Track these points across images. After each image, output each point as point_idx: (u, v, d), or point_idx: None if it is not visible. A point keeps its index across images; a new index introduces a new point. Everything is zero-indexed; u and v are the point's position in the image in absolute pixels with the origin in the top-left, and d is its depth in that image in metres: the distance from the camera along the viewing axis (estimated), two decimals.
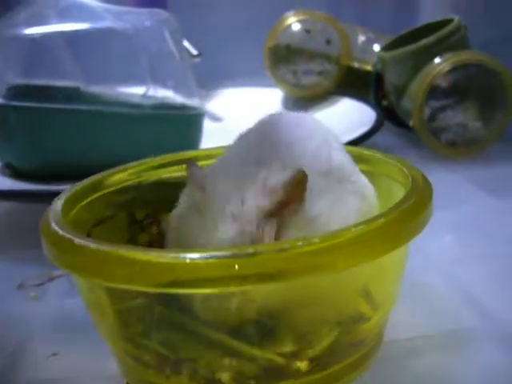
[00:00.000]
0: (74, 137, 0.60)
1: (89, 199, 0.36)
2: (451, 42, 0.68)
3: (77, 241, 0.26)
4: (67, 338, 0.38)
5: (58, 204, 0.33)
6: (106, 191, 0.37)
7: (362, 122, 0.67)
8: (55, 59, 0.60)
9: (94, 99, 0.63)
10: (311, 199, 0.29)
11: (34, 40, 0.59)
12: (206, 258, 0.23)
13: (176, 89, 0.67)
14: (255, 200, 0.28)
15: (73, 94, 0.61)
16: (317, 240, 0.24)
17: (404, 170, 0.34)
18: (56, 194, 0.50)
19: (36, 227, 0.50)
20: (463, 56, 0.66)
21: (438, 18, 0.75)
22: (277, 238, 0.28)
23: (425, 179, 0.32)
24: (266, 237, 0.28)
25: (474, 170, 0.64)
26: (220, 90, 0.91)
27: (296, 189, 0.28)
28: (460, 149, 0.68)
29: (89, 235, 0.34)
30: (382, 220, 0.26)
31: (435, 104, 0.68)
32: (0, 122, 0.60)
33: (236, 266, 0.23)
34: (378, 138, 0.65)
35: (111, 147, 0.61)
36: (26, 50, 0.61)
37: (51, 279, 0.46)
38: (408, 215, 0.27)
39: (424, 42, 0.68)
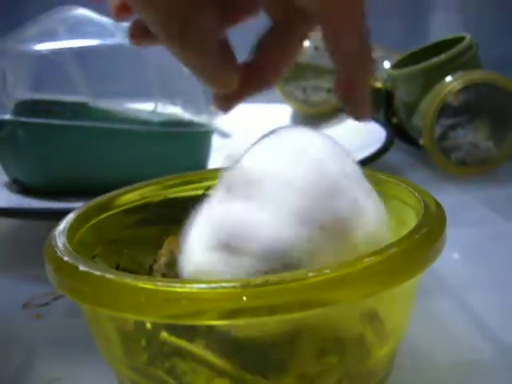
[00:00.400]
0: (81, 153, 0.60)
1: (96, 220, 0.35)
2: (462, 60, 0.67)
3: (81, 268, 0.25)
4: (71, 359, 0.38)
5: (64, 226, 0.32)
6: (114, 211, 0.37)
7: (371, 141, 0.66)
8: (64, 75, 0.60)
9: (102, 115, 0.63)
10: None
11: (43, 56, 0.59)
12: (214, 289, 0.23)
13: (185, 105, 0.67)
14: None
15: (81, 110, 0.61)
16: (328, 271, 0.23)
17: (415, 193, 0.33)
18: (62, 211, 0.51)
19: (42, 244, 0.50)
20: (474, 75, 0.66)
21: (449, 34, 0.74)
22: None
23: (437, 205, 0.31)
24: None
25: (485, 191, 0.64)
26: None
27: None
28: (470, 168, 0.68)
29: (95, 257, 0.33)
30: (394, 250, 0.25)
31: (446, 122, 0.68)
32: (8, 137, 0.60)
33: (244, 298, 0.22)
34: (387, 155, 0.64)
35: (119, 164, 0.61)
36: (35, 65, 0.61)
37: (56, 298, 0.45)
38: (422, 245, 0.26)
39: (435, 60, 0.67)
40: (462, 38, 0.70)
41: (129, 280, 0.24)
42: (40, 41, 0.60)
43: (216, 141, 0.70)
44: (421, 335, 0.36)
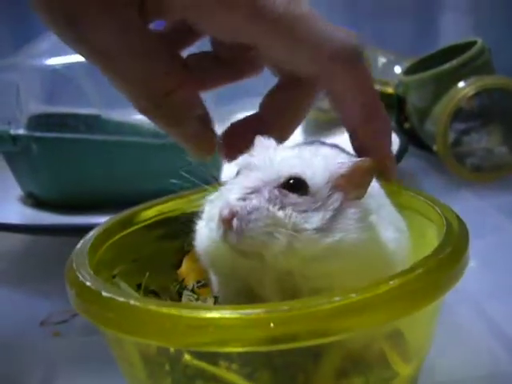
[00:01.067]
0: (95, 166, 0.60)
1: (115, 238, 0.35)
2: (474, 65, 0.67)
3: (104, 294, 0.25)
4: (90, 377, 0.38)
5: (83, 246, 0.32)
6: (132, 229, 0.37)
7: None
8: (76, 89, 0.60)
9: (115, 127, 0.63)
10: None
11: (55, 70, 0.59)
12: (240, 315, 0.23)
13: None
14: (327, 167, 0.29)
15: (94, 123, 0.61)
16: (354, 295, 0.23)
17: (435, 207, 0.33)
18: (78, 228, 0.51)
19: (59, 259, 0.50)
20: (487, 80, 0.65)
21: (460, 37, 0.74)
22: (332, 224, 0.28)
23: (459, 220, 0.31)
24: (329, 206, 0.28)
25: (501, 197, 0.63)
26: (238, 112, 0.90)
27: (362, 176, 0.29)
28: (486, 174, 0.67)
29: (115, 277, 0.33)
30: (420, 271, 0.25)
31: (459, 127, 0.67)
32: (22, 152, 0.60)
33: (271, 324, 0.22)
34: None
35: (133, 176, 0.61)
36: (47, 80, 0.61)
37: (74, 315, 0.45)
38: (447, 265, 0.26)
39: (447, 66, 0.67)
40: (473, 43, 0.70)
41: (153, 306, 0.24)
42: (52, 55, 0.60)
43: None
44: (440, 348, 0.36)
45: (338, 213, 0.28)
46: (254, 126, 0.35)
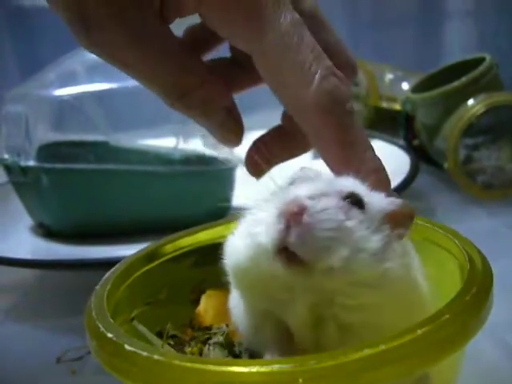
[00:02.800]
0: (105, 195, 0.60)
1: (130, 280, 0.35)
2: (483, 82, 0.67)
3: (128, 347, 0.25)
4: None
5: (100, 290, 0.32)
6: (148, 267, 0.36)
7: (396, 167, 0.66)
8: (85, 118, 0.60)
9: (123, 154, 0.63)
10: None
11: (63, 101, 0.59)
12: (269, 370, 0.22)
13: (205, 139, 0.66)
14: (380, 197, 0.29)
15: (103, 152, 0.61)
16: (383, 346, 0.23)
17: (456, 241, 0.33)
18: (91, 262, 0.51)
19: (71, 293, 0.49)
20: (496, 98, 0.65)
21: (462, 46, 0.74)
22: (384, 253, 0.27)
23: (481, 256, 0.30)
24: (383, 234, 0.27)
25: None
26: (248, 132, 0.90)
27: (405, 218, 0.28)
28: (497, 191, 0.67)
29: (133, 320, 0.33)
30: (447, 317, 0.25)
31: (468, 142, 0.67)
32: (32, 183, 0.60)
33: (300, 380, 0.22)
34: None
35: (143, 204, 0.61)
36: (56, 110, 0.61)
37: (89, 352, 0.45)
38: (474, 307, 0.26)
39: (456, 83, 0.67)
40: (481, 59, 0.69)
41: (177, 361, 0.23)
42: (60, 85, 0.60)
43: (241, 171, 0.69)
44: (462, 381, 0.35)
45: (388, 243, 0.27)
46: (277, 139, 0.35)
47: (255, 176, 0.34)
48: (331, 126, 0.29)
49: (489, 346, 0.40)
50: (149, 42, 0.30)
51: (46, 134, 0.61)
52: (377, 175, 0.30)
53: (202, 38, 0.35)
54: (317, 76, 0.29)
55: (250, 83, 0.36)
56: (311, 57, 0.29)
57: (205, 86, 0.32)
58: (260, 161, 0.33)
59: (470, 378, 0.36)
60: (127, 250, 0.55)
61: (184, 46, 0.32)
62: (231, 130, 0.33)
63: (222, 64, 0.36)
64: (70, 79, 0.61)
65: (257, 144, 0.35)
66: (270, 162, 0.34)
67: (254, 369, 0.22)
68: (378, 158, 0.31)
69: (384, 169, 0.31)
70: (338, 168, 0.30)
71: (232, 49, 0.35)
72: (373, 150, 0.31)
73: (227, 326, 0.33)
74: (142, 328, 0.33)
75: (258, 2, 0.29)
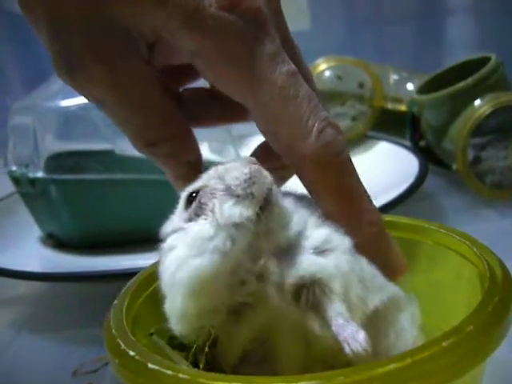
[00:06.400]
0: (114, 205, 0.60)
1: (147, 292, 0.35)
2: (490, 82, 0.66)
3: (151, 366, 0.25)
4: None
5: (118, 305, 0.32)
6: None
7: (404, 169, 0.66)
8: (91, 128, 0.60)
9: (130, 164, 0.62)
10: None
11: (70, 111, 0.59)
12: None
13: (210, 145, 0.66)
14: None
15: (109, 161, 0.61)
16: (409, 360, 0.23)
17: (474, 249, 0.32)
18: (101, 274, 0.50)
19: (84, 303, 0.49)
20: (504, 98, 0.65)
21: (464, 50, 0.74)
22: None
23: (501, 264, 0.30)
24: None
25: None
26: (251, 137, 0.90)
27: None
28: (506, 191, 0.66)
29: (153, 335, 0.33)
30: (471, 328, 0.24)
31: (476, 141, 0.67)
32: (40, 194, 0.60)
33: None
34: None
35: (152, 213, 0.60)
36: (62, 121, 0.61)
37: (106, 363, 0.45)
38: (496, 317, 0.26)
39: (462, 84, 0.67)
40: (487, 58, 0.69)
41: (203, 380, 0.23)
42: (66, 96, 0.60)
43: None
44: None
45: None
46: (262, 156, 0.34)
47: None
48: (328, 178, 0.30)
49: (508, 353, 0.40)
50: (129, 89, 0.30)
51: (53, 145, 0.61)
52: (373, 228, 0.31)
53: (186, 69, 0.34)
54: (314, 129, 0.29)
55: (227, 118, 0.36)
56: (308, 110, 0.29)
57: (174, 140, 0.32)
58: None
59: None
60: (138, 260, 0.56)
61: (165, 81, 0.32)
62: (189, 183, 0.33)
63: (199, 95, 0.36)
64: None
65: None
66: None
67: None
68: (375, 209, 0.31)
69: (381, 221, 0.31)
70: (336, 219, 0.30)
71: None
72: (370, 199, 0.31)
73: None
74: (160, 342, 0.33)
75: (254, 55, 0.29)
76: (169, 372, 0.24)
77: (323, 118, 0.29)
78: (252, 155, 0.34)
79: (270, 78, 0.29)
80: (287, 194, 0.31)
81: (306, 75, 0.32)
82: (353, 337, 0.25)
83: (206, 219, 0.27)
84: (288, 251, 0.28)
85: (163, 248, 0.30)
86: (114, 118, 0.32)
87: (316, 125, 0.29)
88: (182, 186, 0.33)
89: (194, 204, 0.28)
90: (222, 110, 0.35)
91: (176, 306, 0.28)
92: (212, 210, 0.27)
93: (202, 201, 0.28)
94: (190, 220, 0.28)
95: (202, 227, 0.27)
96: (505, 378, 0.38)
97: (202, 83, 0.35)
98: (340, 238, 0.29)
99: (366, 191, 0.31)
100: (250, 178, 0.27)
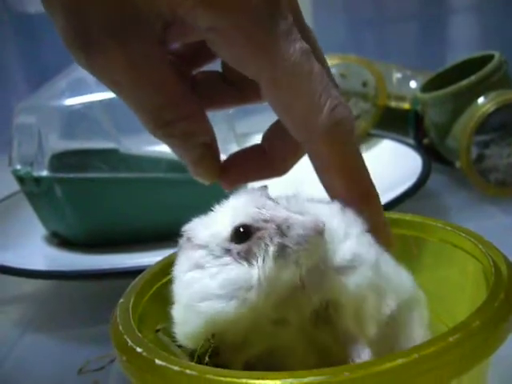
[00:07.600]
0: (118, 203, 0.60)
1: (154, 289, 0.35)
2: (493, 80, 0.66)
3: (158, 362, 0.25)
4: None
5: (125, 302, 0.32)
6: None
7: (407, 167, 0.66)
8: (95, 127, 0.60)
9: (134, 162, 0.63)
10: None
11: (74, 110, 0.59)
12: (302, 382, 0.22)
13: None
14: None
15: (114, 160, 0.61)
16: (416, 356, 0.23)
17: (480, 246, 0.32)
18: (105, 272, 0.51)
19: (88, 302, 0.49)
20: (507, 96, 0.65)
21: (467, 47, 0.74)
22: None
23: (506, 260, 0.30)
24: None
25: None
26: (255, 135, 0.90)
27: None
28: (510, 189, 0.66)
29: (159, 331, 0.33)
30: (477, 323, 0.25)
31: (479, 139, 0.67)
32: (45, 193, 0.60)
33: None
34: None
35: (156, 211, 0.61)
36: (67, 120, 0.61)
37: (112, 361, 0.45)
38: (503, 313, 0.26)
39: (466, 82, 0.67)
40: (489, 56, 0.69)
41: (210, 375, 0.23)
42: (70, 95, 0.60)
43: None
44: None
45: None
46: (255, 157, 0.35)
47: (226, 188, 0.35)
48: (337, 155, 0.31)
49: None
50: (145, 69, 0.30)
51: (57, 144, 0.61)
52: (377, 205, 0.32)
53: (199, 51, 0.35)
54: (327, 105, 0.30)
55: (238, 101, 0.36)
56: (321, 86, 0.30)
57: (189, 119, 0.32)
58: (233, 175, 0.34)
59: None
60: (143, 258, 0.56)
61: (178, 59, 0.33)
62: (206, 167, 0.34)
63: (211, 78, 0.36)
64: (79, 88, 0.61)
65: (233, 158, 0.35)
66: (242, 178, 0.35)
67: (288, 381, 0.22)
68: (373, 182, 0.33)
69: (377, 195, 0.33)
70: (339, 194, 0.31)
71: (224, 66, 0.35)
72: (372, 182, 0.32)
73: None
74: (166, 340, 0.33)
75: (269, 32, 0.29)
76: (176, 368, 0.24)
77: (335, 96, 0.30)
78: (264, 136, 0.35)
79: (284, 55, 0.29)
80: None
81: (320, 56, 0.32)
82: (359, 356, 0.27)
83: (249, 265, 0.27)
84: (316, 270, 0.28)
85: (186, 248, 0.30)
86: (128, 100, 0.31)
87: (328, 102, 0.30)
88: (200, 172, 0.34)
89: (242, 246, 0.27)
90: (234, 91, 0.35)
91: (186, 325, 0.29)
92: (259, 260, 0.27)
93: (254, 248, 0.27)
94: (230, 254, 0.28)
95: (243, 273, 0.27)
96: (510, 373, 0.38)
97: (213, 67, 0.35)
98: (365, 249, 0.29)
99: (366, 166, 0.32)
100: (307, 242, 0.27)
